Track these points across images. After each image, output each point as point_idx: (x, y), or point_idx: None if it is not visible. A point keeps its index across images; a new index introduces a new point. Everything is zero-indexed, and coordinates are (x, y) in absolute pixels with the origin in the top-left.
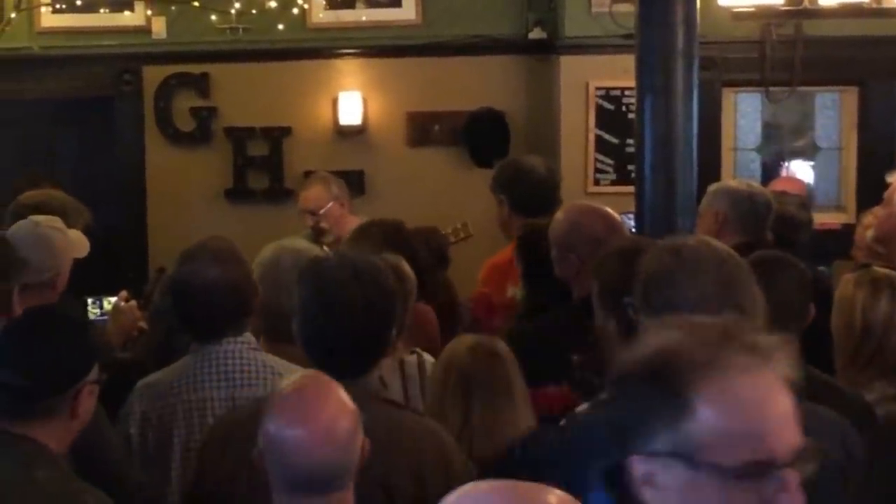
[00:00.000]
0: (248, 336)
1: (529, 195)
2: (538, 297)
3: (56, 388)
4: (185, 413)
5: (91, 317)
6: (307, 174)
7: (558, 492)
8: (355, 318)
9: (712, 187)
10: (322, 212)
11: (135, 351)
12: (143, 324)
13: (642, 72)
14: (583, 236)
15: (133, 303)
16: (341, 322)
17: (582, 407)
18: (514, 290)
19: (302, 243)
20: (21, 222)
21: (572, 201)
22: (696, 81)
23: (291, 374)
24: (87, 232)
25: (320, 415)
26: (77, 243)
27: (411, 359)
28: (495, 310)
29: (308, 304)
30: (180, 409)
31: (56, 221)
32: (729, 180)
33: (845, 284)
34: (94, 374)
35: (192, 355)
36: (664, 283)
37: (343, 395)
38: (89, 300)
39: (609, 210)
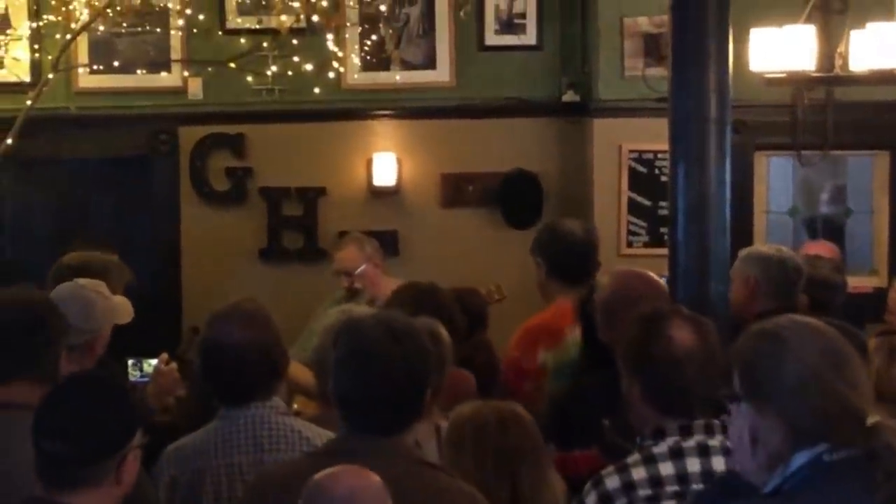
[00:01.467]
0: (277, 400)
1: (566, 259)
2: (590, 360)
3: (101, 455)
4: (212, 478)
5: (131, 379)
6: (341, 234)
7: None
8: (391, 377)
9: (743, 253)
10: (356, 272)
11: (174, 413)
12: (180, 389)
13: (675, 137)
14: (626, 301)
15: (173, 365)
16: (377, 380)
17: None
18: (546, 356)
19: (366, 309)
20: (64, 284)
21: (618, 267)
22: (728, 147)
23: (321, 439)
24: (127, 291)
25: None
26: (121, 309)
27: (447, 424)
28: (525, 375)
29: (344, 362)
30: (208, 473)
31: (100, 286)
32: (760, 245)
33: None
34: (137, 438)
35: (220, 420)
36: (767, 367)
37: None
38: (129, 362)
39: (653, 275)
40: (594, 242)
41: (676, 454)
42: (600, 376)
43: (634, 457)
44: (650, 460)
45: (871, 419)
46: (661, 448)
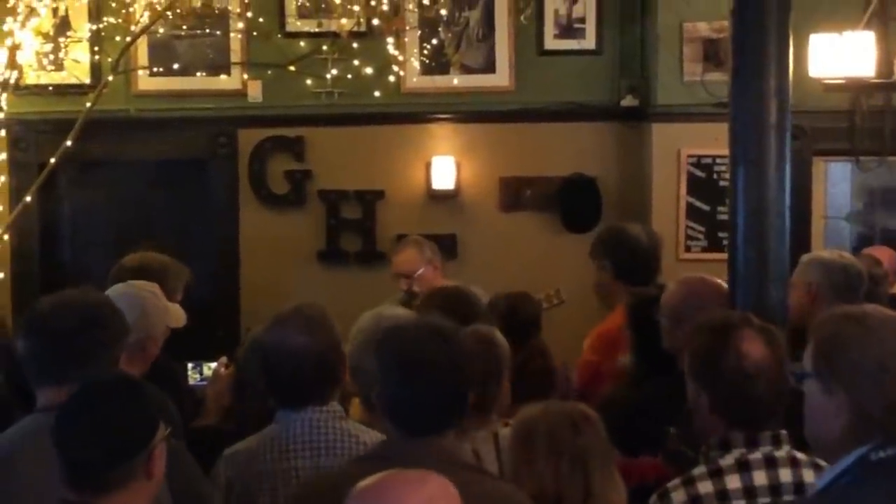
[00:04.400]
0: (334, 405)
1: (633, 262)
2: (646, 367)
3: (127, 456)
4: (269, 482)
5: (191, 382)
6: (399, 238)
7: None
8: (434, 378)
9: (805, 258)
10: (415, 275)
11: (232, 416)
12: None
13: (735, 143)
14: (696, 308)
15: (232, 369)
16: (420, 382)
17: (675, 482)
18: (625, 359)
19: (400, 310)
20: (116, 286)
21: (685, 274)
22: (788, 153)
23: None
24: (187, 292)
25: None
26: (173, 313)
27: (506, 431)
28: (604, 379)
29: (388, 364)
30: (265, 477)
31: (152, 287)
32: (821, 251)
33: None
34: (161, 431)
35: (277, 424)
36: (849, 349)
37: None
38: (189, 365)
39: (721, 282)
40: (658, 246)
41: (743, 466)
42: (664, 383)
43: (700, 469)
44: (716, 473)
45: None
46: (728, 460)
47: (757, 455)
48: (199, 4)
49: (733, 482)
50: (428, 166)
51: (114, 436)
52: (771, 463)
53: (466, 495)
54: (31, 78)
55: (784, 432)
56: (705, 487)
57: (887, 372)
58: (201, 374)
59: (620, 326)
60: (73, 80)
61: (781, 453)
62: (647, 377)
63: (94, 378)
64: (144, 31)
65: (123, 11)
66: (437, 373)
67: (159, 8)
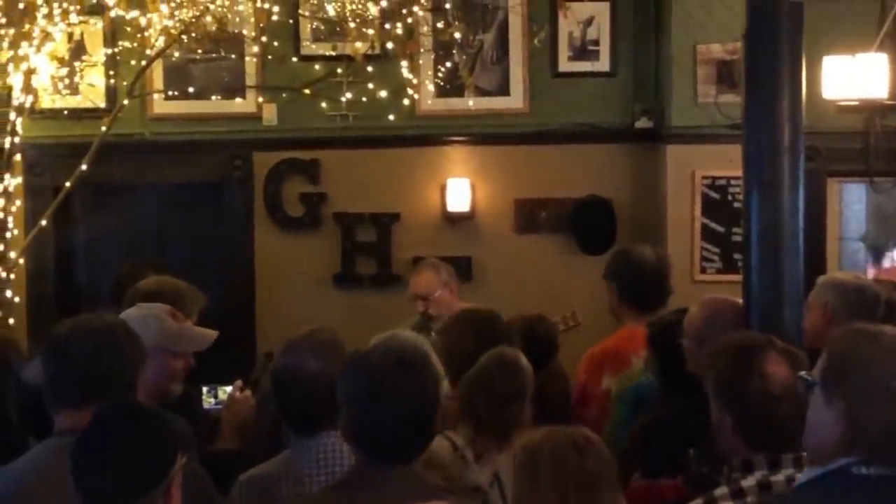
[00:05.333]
0: None
1: (638, 284)
2: (673, 392)
3: (145, 487)
4: None
5: (206, 405)
6: (415, 260)
7: None
8: (396, 405)
9: (821, 279)
10: (432, 297)
11: (247, 440)
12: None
13: (748, 166)
14: (718, 329)
15: (248, 393)
16: (383, 409)
17: (696, 502)
18: (610, 382)
19: (410, 334)
20: (129, 310)
21: (708, 295)
22: (802, 174)
23: None
24: (201, 317)
25: None
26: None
27: None
28: (589, 400)
29: (352, 391)
30: (279, 502)
31: (164, 309)
32: (837, 272)
33: None
34: (179, 461)
35: (291, 449)
36: (859, 364)
37: None
38: (204, 389)
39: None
40: (666, 268)
41: (765, 488)
42: (686, 405)
43: (722, 490)
44: (738, 494)
45: None
46: (750, 481)
47: (779, 477)
48: (214, 28)
49: None
50: (443, 188)
51: (131, 468)
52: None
53: None
54: (46, 102)
55: (805, 454)
56: None
57: (890, 393)
58: (216, 397)
59: (610, 348)
60: (89, 105)
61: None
62: (671, 400)
63: (111, 407)
64: (160, 55)
65: (138, 35)
66: (400, 400)
67: (174, 32)
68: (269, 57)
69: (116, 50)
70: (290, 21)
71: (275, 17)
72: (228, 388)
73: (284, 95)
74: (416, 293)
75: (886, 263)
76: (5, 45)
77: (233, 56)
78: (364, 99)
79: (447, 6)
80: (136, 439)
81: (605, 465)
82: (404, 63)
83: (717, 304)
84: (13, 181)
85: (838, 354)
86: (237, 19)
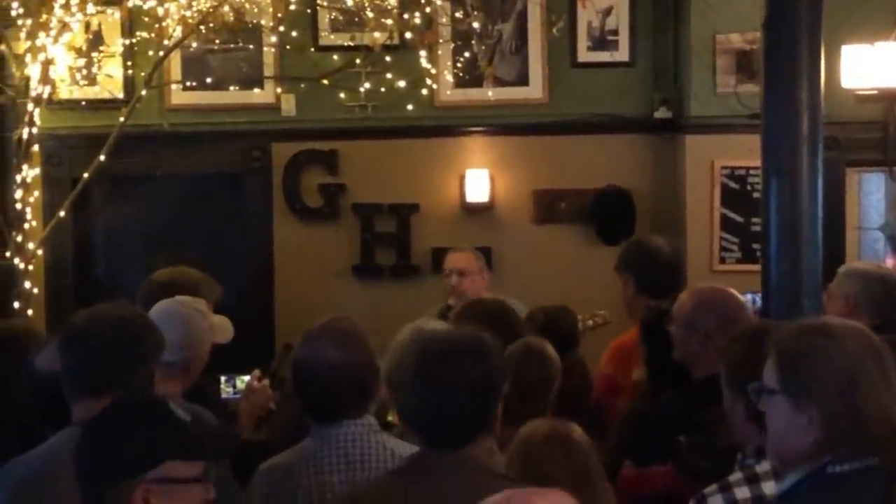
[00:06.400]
0: (369, 418)
1: (655, 275)
2: (660, 380)
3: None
4: (304, 497)
5: (224, 395)
6: (435, 251)
7: None
8: (463, 393)
9: (843, 269)
10: (466, 274)
11: (267, 430)
12: (272, 404)
13: (767, 155)
14: (708, 316)
15: (266, 382)
16: (447, 395)
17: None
18: (640, 373)
19: (439, 324)
20: (164, 301)
21: (697, 284)
22: (820, 164)
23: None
24: (219, 308)
25: None
26: (220, 329)
27: None
28: (619, 392)
29: (420, 378)
30: (300, 492)
31: (200, 304)
32: (858, 262)
33: None
34: (157, 472)
35: (312, 438)
36: (816, 362)
37: None
38: (222, 378)
39: (734, 291)
40: (679, 259)
41: (778, 473)
42: (675, 394)
43: (737, 475)
44: (753, 479)
45: None
46: (764, 467)
47: None
48: (231, 19)
49: (769, 488)
50: (462, 179)
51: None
52: None
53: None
54: (64, 93)
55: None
56: (742, 493)
57: (856, 383)
58: (234, 387)
59: (635, 340)
60: (107, 95)
61: None
62: (659, 389)
63: (120, 402)
64: (177, 45)
65: (156, 26)
66: (468, 387)
67: (192, 22)
68: (288, 47)
69: (134, 40)
70: (308, 11)
71: (293, 7)
72: (246, 378)
73: (303, 86)
74: (455, 267)
75: None
76: (23, 35)
77: (251, 46)
78: (383, 89)
79: None
80: (137, 434)
81: (590, 458)
82: (423, 53)
83: (707, 292)
84: (31, 172)
85: (794, 356)
86: (255, 9)
